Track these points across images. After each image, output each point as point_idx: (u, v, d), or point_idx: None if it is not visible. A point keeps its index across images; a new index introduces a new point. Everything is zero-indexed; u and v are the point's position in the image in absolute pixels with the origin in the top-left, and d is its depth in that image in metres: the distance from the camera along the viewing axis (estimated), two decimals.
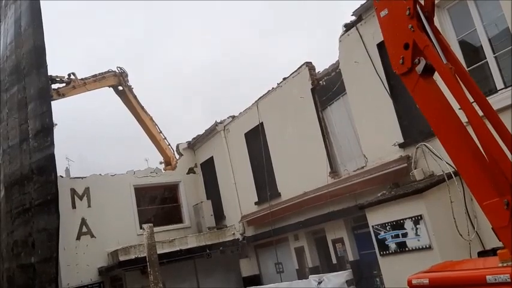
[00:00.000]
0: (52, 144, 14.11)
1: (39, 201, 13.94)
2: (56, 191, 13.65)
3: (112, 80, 18.44)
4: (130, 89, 18.82)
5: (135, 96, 18.86)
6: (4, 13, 17.65)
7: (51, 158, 13.99)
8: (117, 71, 18.55)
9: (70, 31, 49.08)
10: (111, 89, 18.87)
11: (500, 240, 3.88)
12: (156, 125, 19.39)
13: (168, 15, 53.24)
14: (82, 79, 17.39)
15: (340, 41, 11.76)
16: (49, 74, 16.50)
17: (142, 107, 19.05)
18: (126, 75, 18.74)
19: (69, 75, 17.09)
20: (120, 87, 18.69)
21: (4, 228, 15.33)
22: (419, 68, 4.29)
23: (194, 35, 52.61)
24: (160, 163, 19.70)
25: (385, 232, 9.16)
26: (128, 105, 18.95)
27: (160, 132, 19.51)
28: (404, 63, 4.39)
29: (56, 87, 16.72)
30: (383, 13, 4.61)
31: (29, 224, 14.14)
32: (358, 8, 10.96)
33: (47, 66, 15.13)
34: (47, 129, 14.34)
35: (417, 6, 4.34)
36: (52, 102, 15.42)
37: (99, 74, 18.10)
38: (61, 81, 16.91)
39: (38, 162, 14.20)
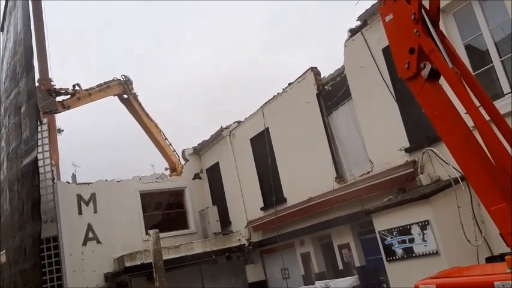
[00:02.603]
0: (35, 147, 14.09)
1: (28, 206, 13.94)
2: (38, 196, 13.59)
3: (117, 88, 18.47)
4: (135, 96, 18.86)
5: (140, 104, 18.90)
6: (8, 20, 17.86)
7: (35, 162, 13.98)
8: (121, 79, 18.57)
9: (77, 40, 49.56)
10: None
11: (508, 246, 3.84)
12: (161, 131, 19.45)
13: (174, 23, 53.66)
14: (87, 89, 17.41)
15: (345, 46, 11.76)
16: (54, 86, 16.61)
17: (147, 114, 19.10)
18: (131, 83, 18.76)
19: (73, 86, 17.10)
20: (125, 96, 18.73)
21: (10, 234, 15.43)
22: (425, 72, 4.27)
23: (200, 43, 52.98)
24: (166, 169, 19.76)
25: (391, 237, 9.10)
26: (133, 112, 18.99)
27: (166, 138, 19.56)
28: (409, 67, 4.38)
29: (61, 100, 16.75)
30: (388, 18, 4.61)
31: (22, 229, 14.17)
32: (363, 13, 10.97)
33: (34, 69, 15.16)
34: (33, 134, 14.35)
35: (422, 11, 4.33)
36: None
37: (104, 83, 18.08)
38: (66, 93, 16.94)
39: (26, 166, 14.23)
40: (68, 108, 16.95)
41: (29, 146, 14.23)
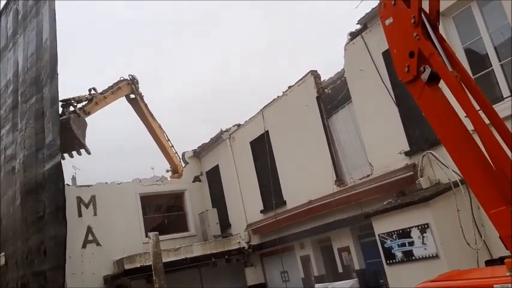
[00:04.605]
0: (59, 153, 14.28)
1: (50, 210, 14.21)
2: (63, 200, 13.78)
3: (126, 89, 18.49)
4: (141, 96, 18.90)
5: (145, 104, 18.94)
6: (24, 26, 17.94)
7: (59, 167, 14.16)
8: (128, 78, 18.60)
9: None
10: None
11: (507, 249, 3.84)
12: (164, 132, 19.47)
13: (174, 30, 53.76)
14: (101, 93, 17.46)
15: (345, 49, 11.79)
16: (70, 95, 16.72)
17: (152, 115, 19.12)
18: (137, 83, 18.83)
19: (89, 90, 17.09)
20: (132, 95, 18.77)
21: (20, 236, 15.55)
22: (425, 76, 4.27)
23: (199, 47, 53.10)
24: (167, 171, 19.75)
25: (391, 241, 9.10)
26: (139, 112, 19.00)
27: (168, 140, 19.57)
28: (409, 71, 4.39)
29: (81, 106, 16.76)
30: (388, 21, 4.62)
31: (42, 231, 14.45)
32: (363, 17, 11.01)
33: (58, 76, 15.30)
34: (56, 138, 14.55)
35: (422, 15, 4.34)
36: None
37: (114, 84, 18.13)
38: (86, 100, 16.94)
39: (49, 170, 14.49)
40: (89, 114, 16.93)
41: (52, 150, 14.45)
